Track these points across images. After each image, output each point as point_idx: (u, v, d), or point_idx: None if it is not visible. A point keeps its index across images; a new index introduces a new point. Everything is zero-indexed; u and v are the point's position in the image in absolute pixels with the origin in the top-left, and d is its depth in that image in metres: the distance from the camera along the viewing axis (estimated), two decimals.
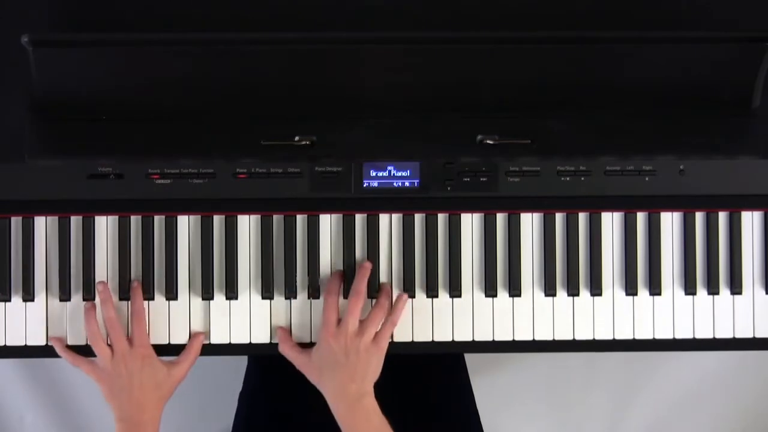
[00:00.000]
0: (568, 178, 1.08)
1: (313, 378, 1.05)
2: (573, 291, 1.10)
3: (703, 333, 1.10)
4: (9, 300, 1.08)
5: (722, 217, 1.11)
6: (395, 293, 1.09)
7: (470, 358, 1.32)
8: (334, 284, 1.07)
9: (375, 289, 1.09)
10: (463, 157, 1.07)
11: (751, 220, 1.11)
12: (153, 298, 1.09)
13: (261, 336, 1.09)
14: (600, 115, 1.07)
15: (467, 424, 1.24)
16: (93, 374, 1.06)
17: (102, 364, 1.05)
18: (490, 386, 1.77)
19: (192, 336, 1.08)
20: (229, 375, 1.42)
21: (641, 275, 1.10)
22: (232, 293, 1.09)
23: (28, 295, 1.08)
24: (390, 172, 1.07)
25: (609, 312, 1.10)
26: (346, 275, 1.09)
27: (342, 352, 1.02)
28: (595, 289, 1.10)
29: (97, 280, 1.08)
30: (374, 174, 1.07)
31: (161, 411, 1.06)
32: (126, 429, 1.03)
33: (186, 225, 1.09)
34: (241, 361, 1.34)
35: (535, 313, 1.10)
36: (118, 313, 1.06)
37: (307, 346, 1.08)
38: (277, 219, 1.09)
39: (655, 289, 1.10)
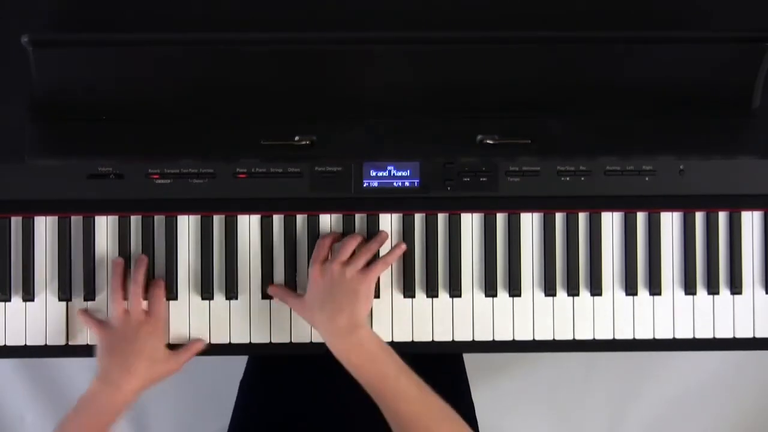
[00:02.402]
0: (568, 178, 1.08)
1: (308, 319, 1.05)
2: (573, 291, 1.09)
3: (703, 333, 1.10)
4: (9, 300, 1.08)
5: (722, 217, 1.11)
6: (396, 285, 1.09)
7: (470, 359, 1.32)
8: (331, 233, 1.08)
9: None
10: (463, 157, 1.07)
11: (751, 220, 1.11)
12: None
13: (261, 336, 1.09)
14: (600, 115, 1.07)
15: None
16: (98, 328, 1.05)
17: (113, 321, 1.05)
18: (490, 387, 1.77)
19: (195, 339, 1.08)
20: (226, 374, 1.42)
21: (641, 275, 1.10)
22: (232, 293, 1.09)
23: (28, 295, 1.08)
24: (390, 172, 1.07)
25: (609, 312, 1.10)
26: None
27: (329, 285, 1.02)
28: (595, 289, 1.10)
29: (97, 280, 1.08)
30: (374, 174, 1.07)
31: (138, 395, 1.02)
32: (100, 390, 1.00)
33: (186, 225, 1.09)
34: (238, 362, 1.33)
35: (535, 313, 1.10)
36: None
37: (307, 347, 1.08)
38: (277, 219, 1.09)
39: (655, 289, 1.10)
